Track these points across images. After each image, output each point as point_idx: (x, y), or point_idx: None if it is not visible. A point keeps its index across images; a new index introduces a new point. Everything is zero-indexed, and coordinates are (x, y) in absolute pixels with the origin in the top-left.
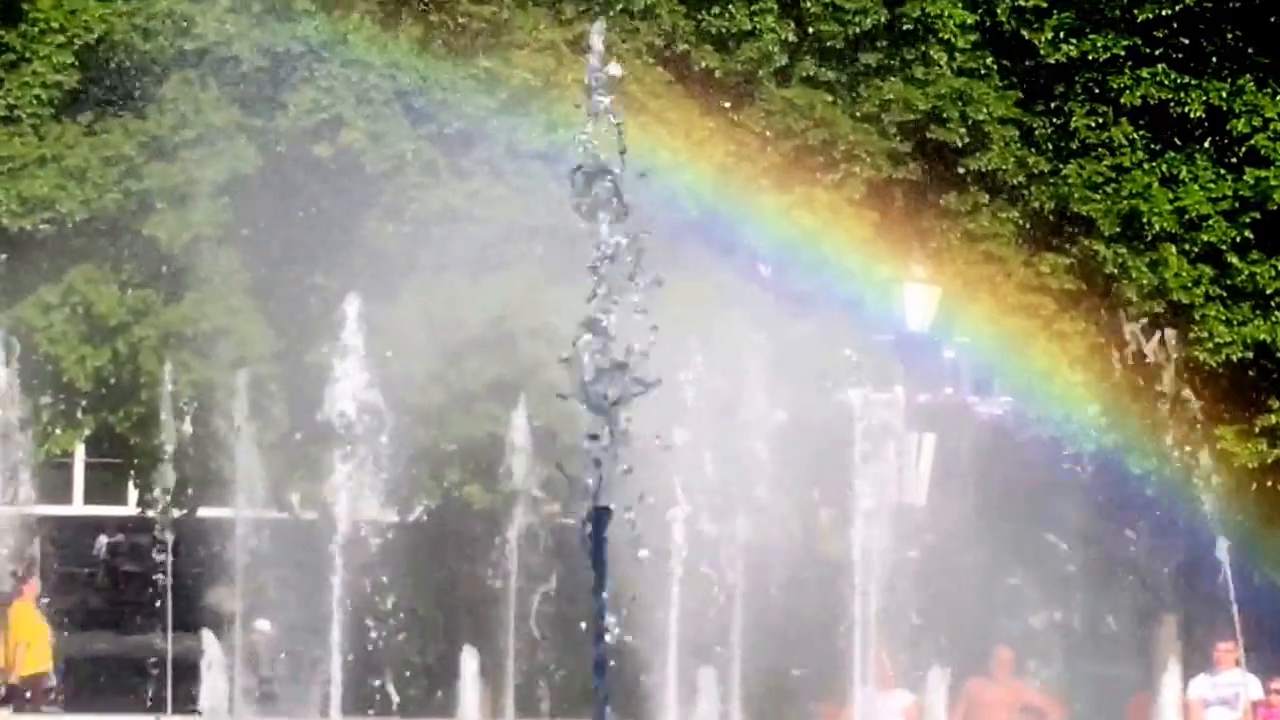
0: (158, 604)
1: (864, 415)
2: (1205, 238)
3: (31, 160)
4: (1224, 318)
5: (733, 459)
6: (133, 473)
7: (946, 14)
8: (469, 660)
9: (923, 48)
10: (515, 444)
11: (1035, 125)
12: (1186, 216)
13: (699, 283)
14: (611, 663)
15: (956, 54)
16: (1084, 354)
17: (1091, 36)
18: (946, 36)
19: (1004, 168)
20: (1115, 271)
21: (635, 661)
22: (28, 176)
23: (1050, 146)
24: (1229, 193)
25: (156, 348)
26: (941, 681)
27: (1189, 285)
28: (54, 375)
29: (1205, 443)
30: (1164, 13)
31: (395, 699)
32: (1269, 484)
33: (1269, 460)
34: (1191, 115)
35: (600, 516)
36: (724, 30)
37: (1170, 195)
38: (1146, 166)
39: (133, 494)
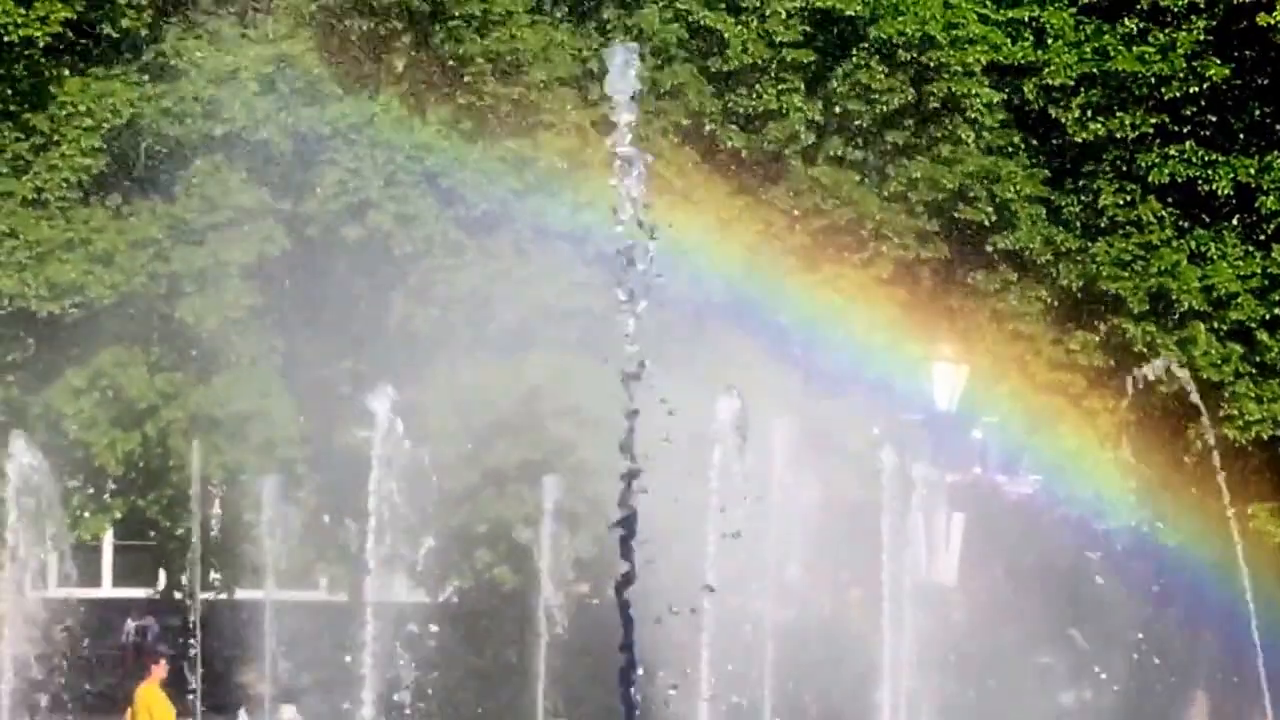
0: (189, 686)
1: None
2: (1234, 315)
3: (59, 244)
4: (1254, 395)
5: (763, 538)
6: (162, 556)
7: (973, 93)
8: None
9: (950, 126)
10: (546, 526)
11: (1063, 203)
12: (1215, 294)
13: (727, 356)
14: None
15: (984, 132)
16: (1114, 431)
17: (1119, 115)
18: (974, 115)
19: (1032, 246)
20: (1144, 349)
21: None
22: (55, 261)
23: (1078, 224)
24: (1258, 270)
25: (186, 430)
26: None
27: (1218, 363)
28: (84, 460)
29: (1238, 521)
30: (1191, 90)
31: None
32: None
33: None
34: (1219, 192)
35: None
36: (751, 110)
37: (1199, 273)
38: (1175, 244)
39: (162, 576)
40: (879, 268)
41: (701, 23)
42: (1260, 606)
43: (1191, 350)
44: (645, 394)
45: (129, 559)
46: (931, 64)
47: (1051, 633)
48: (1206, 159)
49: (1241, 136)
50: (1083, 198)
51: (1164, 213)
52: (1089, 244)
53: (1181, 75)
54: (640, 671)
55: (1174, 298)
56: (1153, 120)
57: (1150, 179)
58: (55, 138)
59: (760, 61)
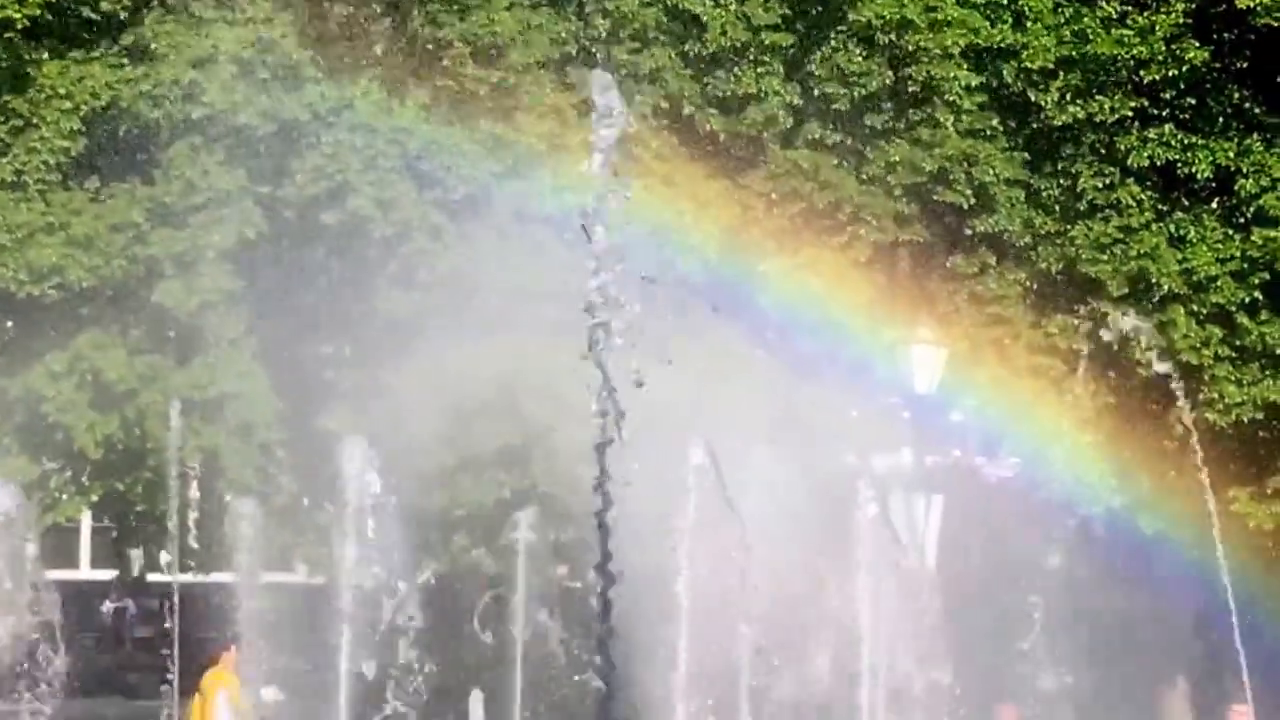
0: (166, 668)
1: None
2: (1214, 298)
3: (38, 227)
4: (1234, 378)
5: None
6: (140, 538)
7: (952, 76)
8: (475, 704)
9: (928, 110)
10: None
11: (1042, 186)
12: (1195, 277)
13: (705, 341)
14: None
15: (962, 115)
16: (1093, 415)
17: (1098, 98)
18: (952, 98)
19: (1011, 229)
20: (1124, 334)
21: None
22: (35, 244)
23: (1057, 207)
24: (1237, 253)
25: (164, 413)
26: None
27: (1198, 346)
28: (62, 442)
29: (1219, 505)
30: (1170, 73)
31: None
32: None
33: None
34: (1199, 175)
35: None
36: (729, 93)
37: (1178, 256)
38: (1154, 227)
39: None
40: (857, 251)
41: (680, 6)
42: (1239, 591)
43: (1171, 333)
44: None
45: (107, 541)
46: (910, 47)
47: (1031, 616)
48: (1186, 142)
49: (1221, 120)
50: (1061, 181)
51: (1143, 196)
52: (1068, 227)
53: (1160, 58)
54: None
55: (1153, 281)
56: (1132, 103)
57: (1129, 162)
58: (34, 120)
59: (739, 45)
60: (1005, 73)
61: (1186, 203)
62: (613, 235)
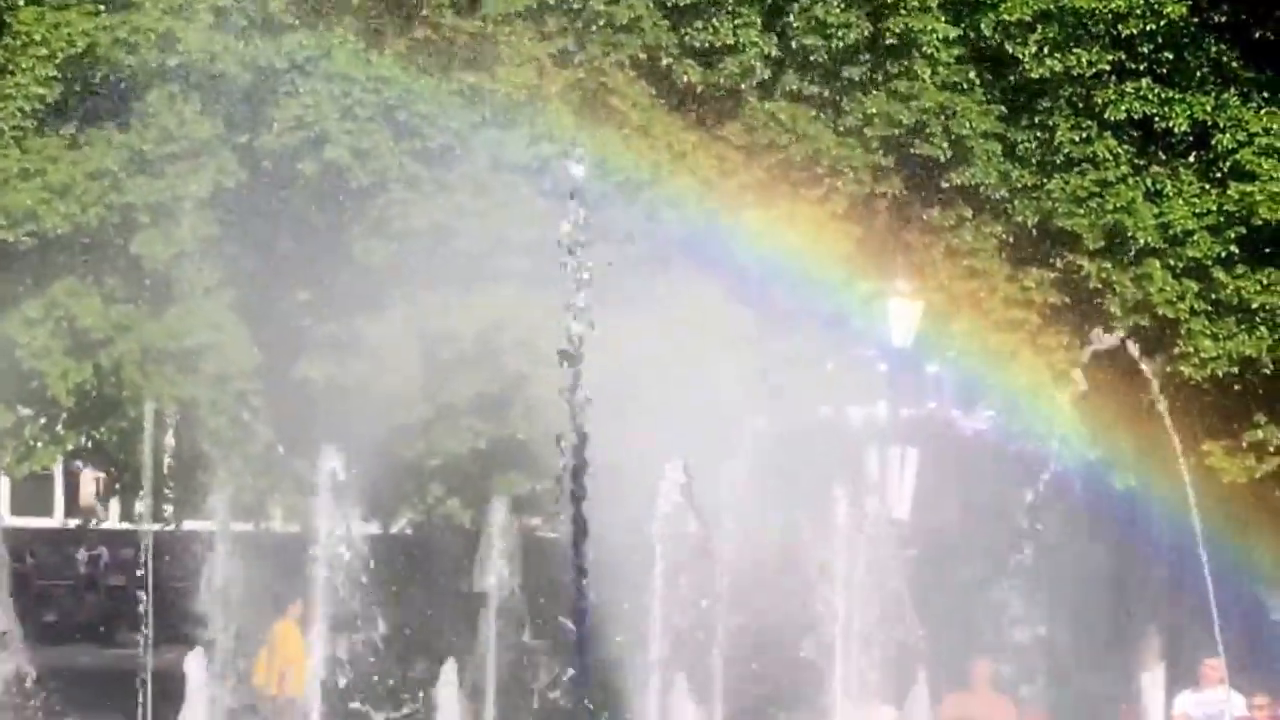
0: (140, 617)
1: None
2: (1190, 252)
3: (13, 174)
4: (1209, 332)
5: (715, 473)
6: (116, 487)
7: (930, 28)
8: (449, 673)
9: (906, 62)
10: (504, 459)
11: (1019, 140)
12: (1171, 231)
13: (682, 291)
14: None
15: (940, 68)
16: (1068, 368)
17: (1075, 51)
18: (930, 51)
19: (987, 182)
20: (1100, 286)
21: (615, 673)
22: (10, 190)
23: (1034, 161)
24: (1214, 207)
25: (140, 362)
26: (923, 696)
27: (1174, 300)
28: (37, 390)
29: (1194, 459)
30: (1148, 28)
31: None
32: (1255, 499)
33: (1256, 475)
34: (1176, 130)
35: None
36: (707, 44)
37: (1155, 210)
38: (1131, 181)
39: (115, 508)
40: (834, 203)
41: None
42: (1212, 545)
43: (1147, 287)
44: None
45: (81, 490)
46: None
47: (1002, 568)
48: (1163, 96)
49: (1198, 74)
50: (1039, 134)
51: (1120, 150)
52: (1045, 180)
53: (1138, 12)
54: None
55: (1130, 234)
56: (1109, 57)
57: (1106, 115)
58: (9, 67)
59: None
60: (983, 25)
61: (1163, 157)
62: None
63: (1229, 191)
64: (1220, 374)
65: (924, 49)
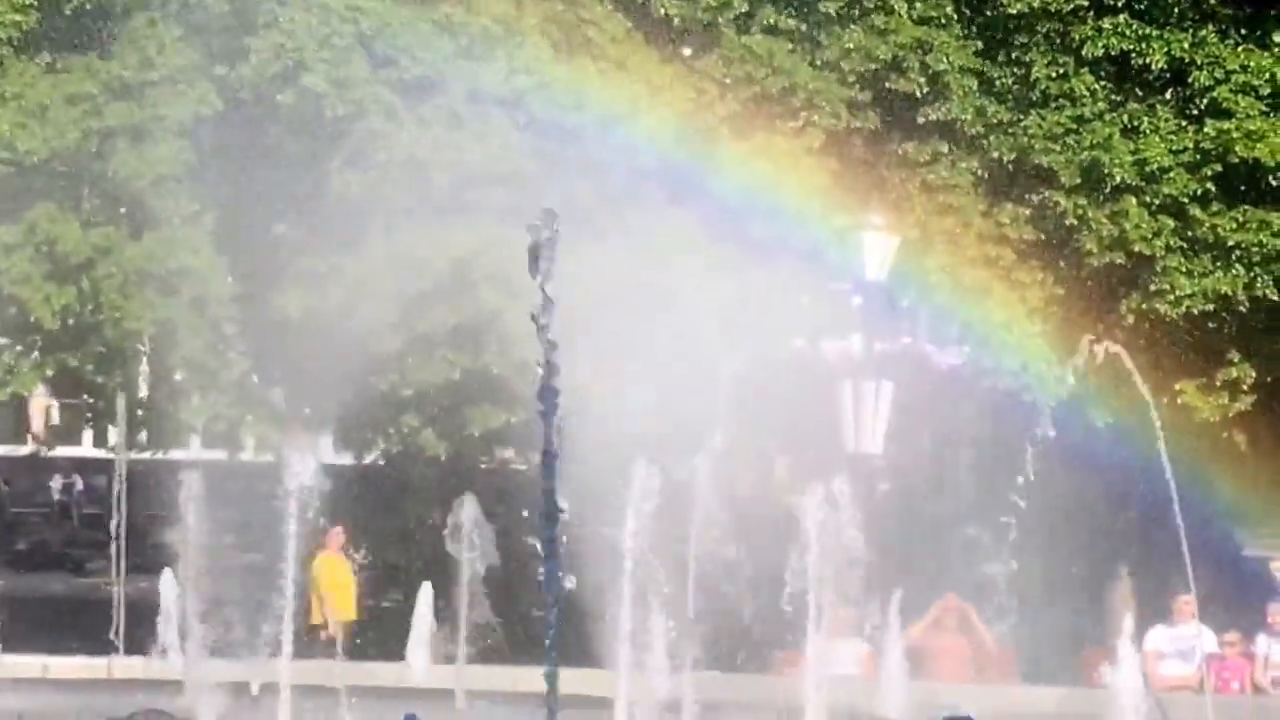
0: (112, 546)
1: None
2: (1166, 190)
3: None
4: (1185, 269)
5: (689, 405)
6: (90, 414)
7: None
8: (423, 601)
9: None
10: (472, 390)
11: (995, 75)
12: (1147, 168)
13: (658, 224)
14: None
15: (917, 3)
16: (1042, 304)
17: None
18: None
19: (963, 118)
20: (1075, 222)
21: (587, 604)
22: None
23: (1010, 97)
24: (1190, 145)
25: (121, 285)
26: (894, 629)
27: (1149, 237)
28: (15, 317)
29: (1167, 397)
30: None
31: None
32: (1228, 437)
33: (1229, 414)
34: (1153, 67)
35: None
36: None
37: (1131, 147)
38: (1107, 118)
39: (89, 435)
40: (810, 137)
41: None
42: (1183, 483)
43: (1123, 223)
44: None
45: (60, 415)
46: None
47: (979, 504)
48: (1140, 33)
49: (1176, 11)
50: (1015, 70)
51: (1097, 86)
52: (1021, 116)
53: None
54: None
55: (1106, 171)
56: None
57: (1084, 52)
58: None
59: None
60: None
61: (1140, 94)
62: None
63: (1205, 129)
64: (1195, 311)
65: None
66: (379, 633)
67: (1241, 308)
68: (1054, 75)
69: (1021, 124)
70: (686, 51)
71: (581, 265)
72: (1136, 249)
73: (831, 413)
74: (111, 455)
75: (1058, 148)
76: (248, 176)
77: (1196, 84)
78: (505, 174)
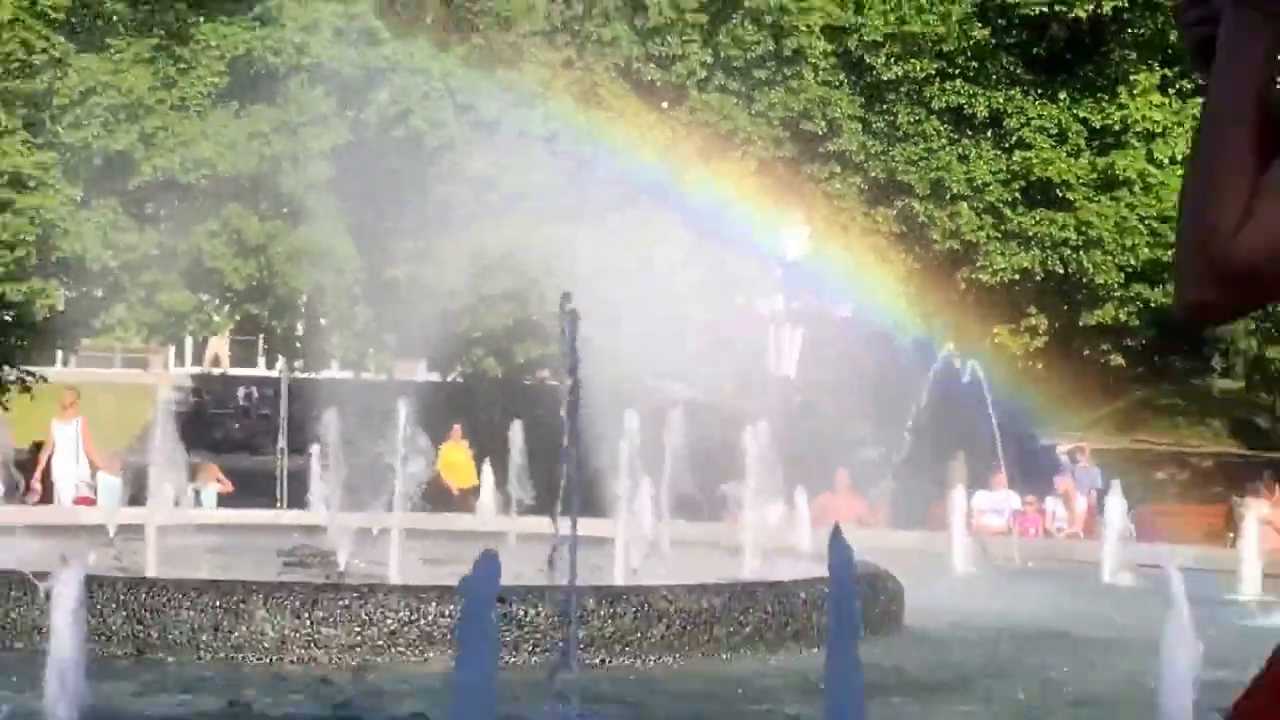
0: (279, 436)
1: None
2: (987, 197)
3: (197, 136)
4: (1000, 252)
5: (669, 342)
6: (265, 347)
7: (813, 45)
8: (486, 474)
9: (797, 67)
10: (521, 332)
11: (873, 120)
12: (974, 183)
13: (647, 221)
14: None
15: (820, 72)
16: (905, 275)
17: (913, 60)
18: (813, 61)
19: (851, 149)
20: (926, 220)
21: (594, 475)
22: (195, 145)
23: (883, 135)
24: (1004, 168)
25: (285, 260)
26: (804, 496)
27: (975, 229)
28: (215, 280)
29: (986, 338)
30: (962, 45)
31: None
32: (1029, 365)
33: (1030, 349)
34: (979, 115)
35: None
36: (663, 54)
37: (964, 169)
38: (947, 150)
39: (262, 361)
40: (749, 163)
41: None
42: (998, 395)
43: (958, 220)
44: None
45: (243, 348)
46: (785, 25)
47: (859, 410)
48: (971, 92)
49: (995, 77)
50: (886, 117)
51: (941, 128)
52: (890, 148)
53: (955, 34)
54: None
55: (946, 186)
56: (934, 65)
57: (933, 104)
58: (193, 64)
59: (670, 20)
60: (850, 43)
61: (970, 133)
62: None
63: (1014, 157)
64: (1006, 280)
65: (809, 59)
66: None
67: (1038, 277)
68: (912, 120)
69: (890, 153)
70: (664, 104)
71: (595, 249)
72: (967, 238)
73: (761, 348)
74: (278, 375)
75: (914, 169)
76: (371, 187)
77: (1008, 126)
78: (543, 186)
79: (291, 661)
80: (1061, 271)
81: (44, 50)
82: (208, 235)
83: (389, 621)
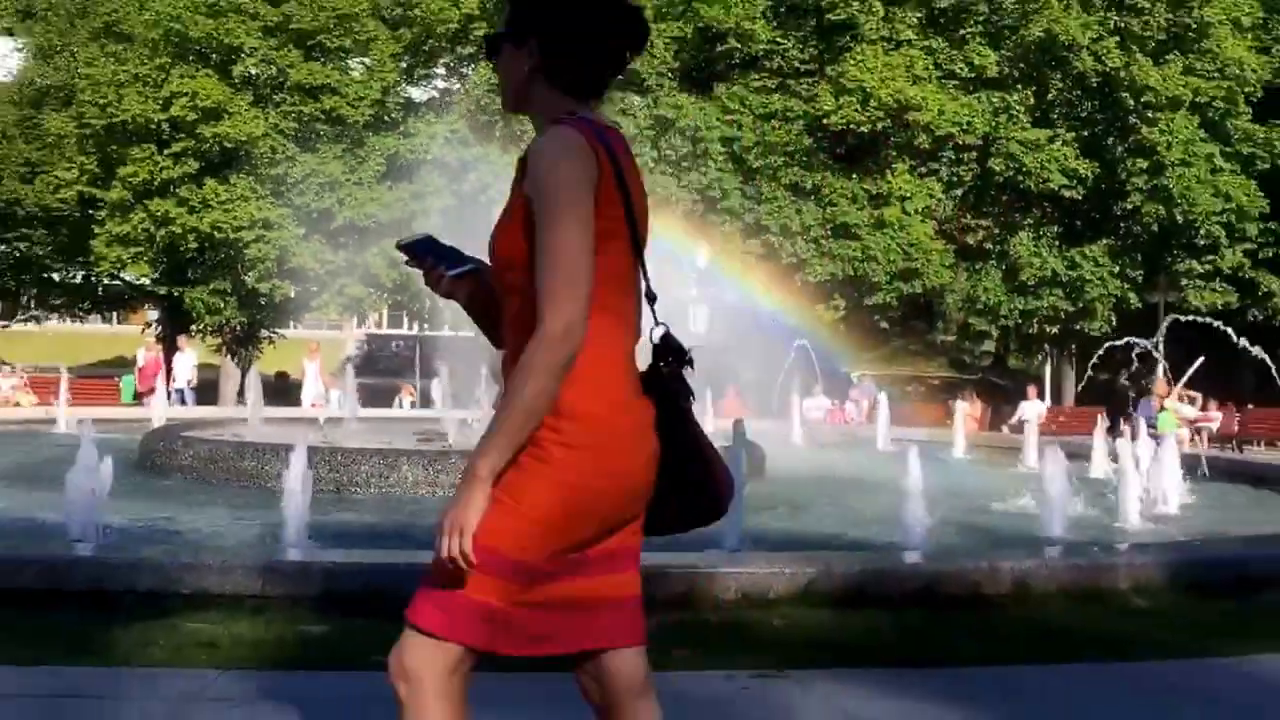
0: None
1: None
2: (813, 234)
3: (367, 199)
4: (819, 265)
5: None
6: (406, 313)
7: (715, 149)
8: None
9: (705, 161)
10: None
11: (748, 190)
12: (806, 226)
13: None
14: None
15: (718, 161)
16: (766, 279)
17: (770, 156)
18: (715, 158)
19: (734, 206)
20: (778, 247)
21: None
22: (366, 206)
23: (754, 199)
24: (821, 217)
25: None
26: (709, 407)
27: (806, 252)
28: (376, 280)
29: (812, 313)
30: (796, 147)
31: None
32: (838, 327)
33: (836, 320)
34: (808, 186)
35: None
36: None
37: (799, 218)
38: (789, 206)
39: (406, 323)
40: (677, 214)
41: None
42: (817, 344)
43: (796, 247)
44: None
45: (393, 318)
46: (698, 139)
47: (741, 353)
48: (802, 174)
49: (814, 165)
50: (755, 188)
51: (785, 194)
52: (757, 206)
53: (794, 139)
54: None
55: (790, 228)
56: (782, 158)
57: (782, 181)
58: (367, 159)
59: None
60: (735, 148)
61: (803, 197)
62: None
63: (827, 211)
64: (823, 281)
65: (713, 156)
66: None
67: (840, 279)
68: (770, 191)
69: (757, 209)
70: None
71: None
72: (802, 257)
73: (682, 318)
74: (414, 333)
75: (771, 218)
76: (466, 234)
77: (824, 193)
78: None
79: (422, 494)
80: (853, 275)
81: (282, 150)
82: (372, 256)
83: None
